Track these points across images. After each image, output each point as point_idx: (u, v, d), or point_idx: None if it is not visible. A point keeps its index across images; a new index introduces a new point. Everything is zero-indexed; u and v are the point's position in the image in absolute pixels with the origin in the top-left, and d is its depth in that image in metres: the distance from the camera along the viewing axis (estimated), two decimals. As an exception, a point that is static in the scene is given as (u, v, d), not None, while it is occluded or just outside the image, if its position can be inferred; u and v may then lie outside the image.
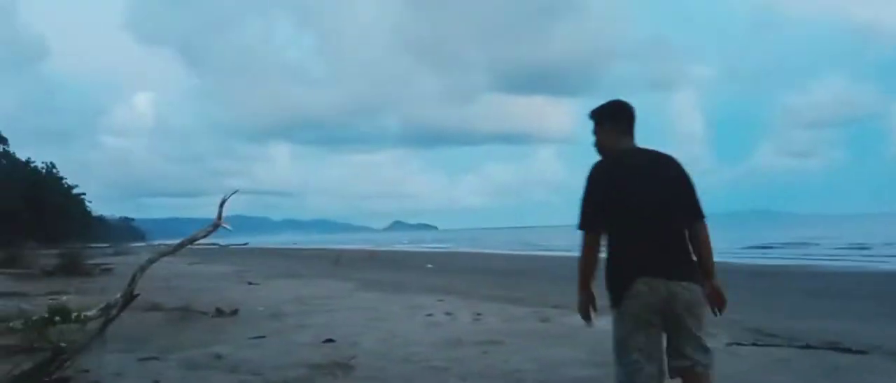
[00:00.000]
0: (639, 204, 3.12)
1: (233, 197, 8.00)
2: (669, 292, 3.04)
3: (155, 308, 10.04)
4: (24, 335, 6.89)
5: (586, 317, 3.28)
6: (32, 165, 58.03)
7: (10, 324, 7.03)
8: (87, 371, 6.03)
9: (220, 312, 9.58)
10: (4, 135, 54.96)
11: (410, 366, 6.09)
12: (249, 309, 10.23)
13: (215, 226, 7.80)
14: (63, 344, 7.24)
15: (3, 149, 56.35)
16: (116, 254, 41.02)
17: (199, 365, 6.24)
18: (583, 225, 3.18)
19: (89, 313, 7.36)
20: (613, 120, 3.35)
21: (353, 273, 20.72)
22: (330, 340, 7.33)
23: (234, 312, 9.70)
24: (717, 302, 3.23)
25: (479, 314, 9.36)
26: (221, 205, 7.79)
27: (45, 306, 9.28)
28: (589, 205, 3.19)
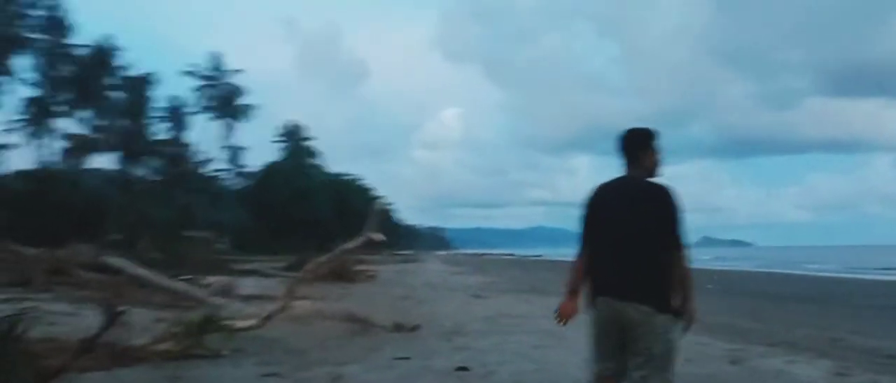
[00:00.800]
0: (608, 230, 3.48)
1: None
2: (620, 310, 3.36)
3: (350, 318, 10.05)
4: (178, 341, 7.08)
5: (561, 319, 3.63)
6: (342, 177, 65.62)
7: (174, 331, 7.29)
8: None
9: (398, 327, 9.22)
10: (331, 151, 63.17)
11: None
12: (436, 326, 9.80)
13: (367, 237, 7.41)
14: (224, 353, 7.47)
15: (316, 162, 64.47)
16: (406, 261, 44.05)
17: (304, 388, 5.86)
18: (578, 242, 3.64)
19: (239, 323, 7.41)
20: (618, 148, 3.60)
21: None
22: (464, 368, 6.57)
23: (414, 328, 9.28)
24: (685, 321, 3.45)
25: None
26: (372, 217, 7.39)
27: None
28: (581, 226, 3.62)
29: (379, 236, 7.48)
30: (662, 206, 3.40)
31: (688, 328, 3.49)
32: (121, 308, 5.15)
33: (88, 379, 5.95)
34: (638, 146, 3.56)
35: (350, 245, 7.64)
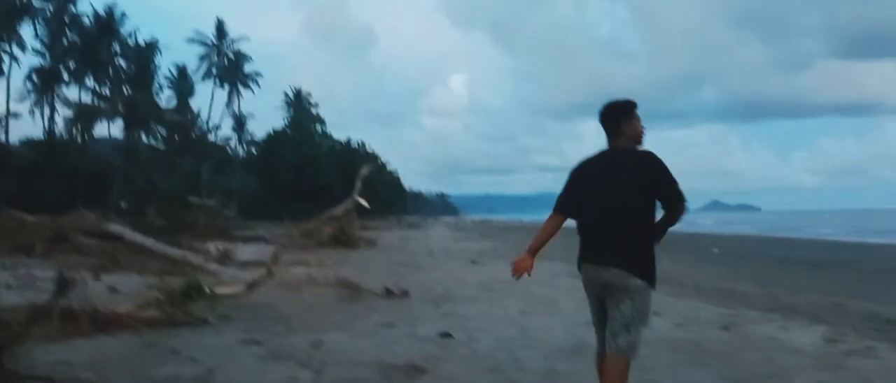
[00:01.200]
0: (592, 201, 3.58)
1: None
2: (597, 275, 3.54)
3: (342, 285, 9.98)
4: (161, 308, 7.03)
5: (516, 272, 3.67)
6: (349, 144, 65.56)
7: (159, 297, 7.24)
8: (175, 351, 5.92)
9: (389, 293, 9.15)
10: (339, 118, 63.08)
11: (490, 378, 5.04)
12: (427, 292, 9.75)
13: (354, 201, 7.28)
14: (211, 320, 7.40)
15: (322, 129, 64.35)
16: (412, 227, 44.04)
17: (282, 356, 5.76)
18: (554, 206, 3.71)
19: (223, 290, 7.34)
20: (601, 121, 3.70)
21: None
22: (447, 335, 6.49)
23: (404, 294, 9.22)
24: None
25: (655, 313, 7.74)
26: (359, 181, 7.25)
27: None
28: (562, 193, 3.73)
29: (363, 201, 7.33)
30: (653, 170, 3.52)
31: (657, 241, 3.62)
32: (74, 275, 5.02)
33: (69, 346, 5.91)
34: (620, 117, 3.65)
35: (336, 210, 7.51)
